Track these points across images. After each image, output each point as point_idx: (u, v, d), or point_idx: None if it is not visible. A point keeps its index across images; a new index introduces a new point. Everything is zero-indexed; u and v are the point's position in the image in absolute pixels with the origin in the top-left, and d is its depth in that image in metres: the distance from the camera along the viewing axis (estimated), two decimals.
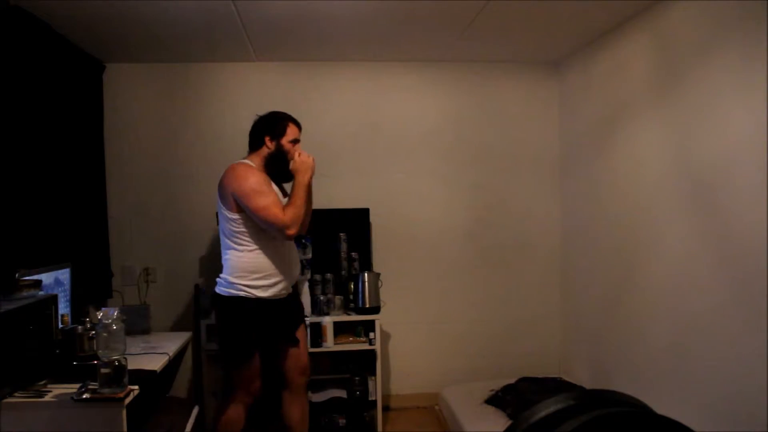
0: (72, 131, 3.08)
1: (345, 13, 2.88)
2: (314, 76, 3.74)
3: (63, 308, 2.53)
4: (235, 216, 2.43)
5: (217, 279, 2.53)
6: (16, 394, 1.96)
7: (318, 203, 2.90)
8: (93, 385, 1.99)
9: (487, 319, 3.88)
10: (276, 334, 2.57)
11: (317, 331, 3.21)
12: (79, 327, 2.28)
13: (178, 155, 3.66)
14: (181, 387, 3.49)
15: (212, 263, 3.63)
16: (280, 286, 2.50)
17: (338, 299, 3.41)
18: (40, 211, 2.72)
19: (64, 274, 2.66)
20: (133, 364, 2.21)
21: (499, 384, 3.40)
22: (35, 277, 2.27)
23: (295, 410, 2.69)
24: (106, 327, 2.00)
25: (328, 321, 3.24)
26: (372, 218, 3.69)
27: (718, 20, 2.35)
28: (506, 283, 3.90)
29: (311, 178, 2.52)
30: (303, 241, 3.29)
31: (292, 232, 2.39)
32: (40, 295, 2.17)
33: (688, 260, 2.54)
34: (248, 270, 2.44)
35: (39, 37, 2.75)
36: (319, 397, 3.30)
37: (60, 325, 2.28)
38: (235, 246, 2.47)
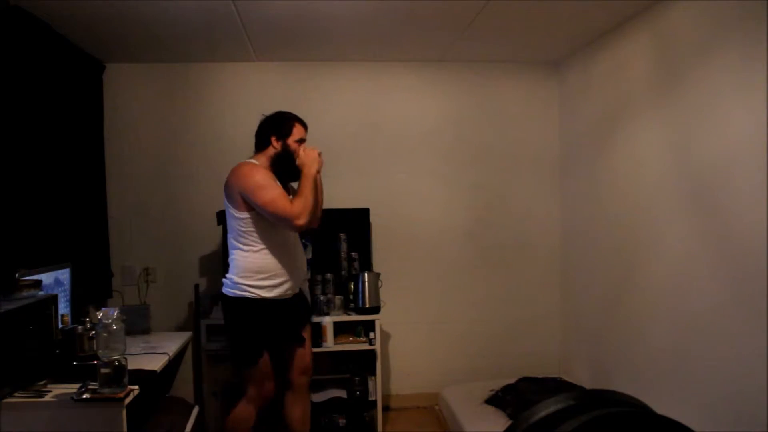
0: (72, 131, 3.08)
1: (345, 13, 2.88)
2: (314, 76, 3.74)
3: (63, 308, 2.53)
4: (244, 215, 2.43)
5: (223, 279, 2.53)
6: (16, 394, 1.96)
7: None
8: (93, 385, 1.99)
9: (487, 319, 3.89)
10: (282, 334, 2.57)
11: (317, 331, 3.21)
12: (79, 327, 2.28)
13: (178, 155, 3.66)
14: (181, 387, 3.49)
15: (212, 263, 3.63)
16: (285, 287, 2.50)
17: (338, 299, 3.41)
18: (40, 211, 2.72)
19: (64, 274, 2.66)
20: (133, 364, 2.21)
21: (499, 384, 3.40)
22: (35, 277, 2.27)
23: (297, 410, 2.69)
24: (106, 327, 2.00)
25: (328, 321, 3.24)
26: (372, 218, 3.69)
27: (718, 20, 2.35)
28: (506, 283, 3.90)
29: (318, 170, 2.52)
30: (303, 240, 3.28)
31: (301, 222, 2.38)
32: (40, 295, 2.17)
33: (688, 260, 2.54)
34: (253, 270, 2.44)
35: (39, 37, 2.75)
36: (319, 397, 3.30)
37: (60, 325, 2.28)
38: (242, 246, 2.47)
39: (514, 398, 3.14)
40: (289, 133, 2.55)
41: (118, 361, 1.97)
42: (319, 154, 2.52)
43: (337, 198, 3.67)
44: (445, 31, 3.21)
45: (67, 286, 2.68)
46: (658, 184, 2.75)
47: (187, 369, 3.47)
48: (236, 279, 2.46)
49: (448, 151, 3.86)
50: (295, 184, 2.59)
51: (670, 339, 2.67)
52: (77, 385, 2.01)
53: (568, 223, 3.84)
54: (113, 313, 2.03)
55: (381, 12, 2.87)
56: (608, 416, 1.02)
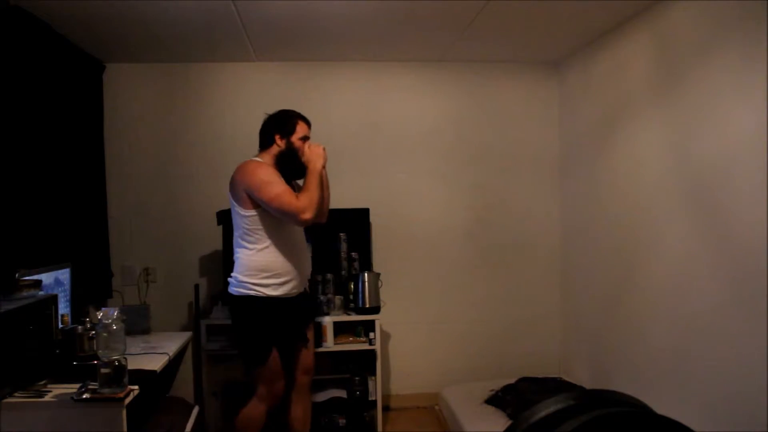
0: (72, 131, 3.08)
1: (345, 13, 2.88)
2: (314, 76, 3.74)
3: (63, 308, 2.53)
4: (250, 212, 2.44)
5: (228, 279, 2.53)
6: (16, 394, 1.96)
7: None
8: (93, 385, 1.99)
9: (487, 319, 3.88)
10: (287, 333, 2.58)
11: (317, 331, 3.21)
12: (79, 327, 2.28)
13: (178, 155, 3.66)
14: (181, 387, 3.49)
15: (212, 263, 3.63)
16: (290, 285, 2.50)
17: (338, 299, 3.41)
18: (40, 211, 2.72)
19: (64, 274, 2.66)
20: (133, 364, 2.21)
21: (499, 384, 3.40)
22: (35, 277, 2.27)
23: (299, 409, 2.70)
24: (106, 327, 2.00)
25: (328, 321, 3.24)
26: (372, 218, 3.69)
27: (718, 20, 2.34)
28: (506, 283, 3.90)
29: (323, 165, 2.53)
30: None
31: (307, 216, 2.38)
32: (40, 295, 2.17)
33: (688, 260, 2.54)
34: (258, 268, 2.45)
35: (39, 37, 2.75)
36: (319, 397, 3.30)
37: (60, 325, 2.28)
38: (247, 244, 2.47)
39: (514, 398, 3.14)
40: (292, 130, 2.55)
41: (118, 361, 1.97)
42: (324, 150, 2.53)
43: (337, 198, 3.65)
44: (445, 31, 3.21)
45: (67, 286, 2.68)
46: (658, 184, 2.75)
47: (187, 369, 3.47)
48: (241, 277, 2.46)
49: (448, 151, 3.86)
50: (301, 182, 2.59)
51: (670, 339, 2.67)
52: (77, 385, 2.01)
53: (568, 223, 3.83)
54: (113, 313, 2.03)
55: (381, 12, 2.87)
56: (608, 416, 1.02)
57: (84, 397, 1.94)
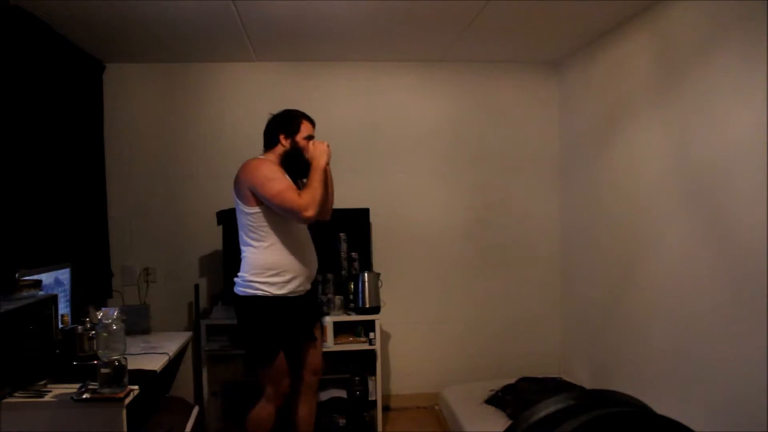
0: (72, 131, 3.08)
1: (345, 13, 2.88)
2: (314, 76, 3.74)
3: (63, 308, 2.53)
4: (254, 210, 2.44)
5: (235, 279, 2.53)
6: (16, 394, 1.96)
7: None
8: (93, 385, 1.99)
9: (487, 319, 3.89)
10: (295, 332, 2.57)
11: None
12: (79, 327, 2.28)
13: (178, 155, 3.66)
14: (181, 387, 3.49)
15: (212, 263, 3.63)
16: (296, 283, 2.50)
17: (338, 299, 3.41)
18: (40, 211, 2.72)
19: (64, 274, 2.66)
20: (133, 364, 2.21)
21: (499, 384, 3.40)
22: (35, 277, 2.27)
23: (304, 409, 2.70)
24: (106, 327, 2.00)
25: (328, 321, 3.24)
26: (372, 218, 3.69)
27: (718, 20, 2.34)
28: (506, 283, 3.90)
29: (327, 163, 2.53)
30: None
31: (309, 213, 2.38)
32: (40, 295, 2.17)
33: (688, 260, 2.54)
34: (264, 267, 2.44)
35: (39, 37, 2.75)
36: (319, 397, 3.29)
37: (60, 325, 2.28)
38: (252, 242, 2.47)
39: (514, 398, 3.14)
40: (297, 130, 2.56)
41: (118, 361, 1.98)
42: (328, 146, 2.54)
43: (337, 198, 3.64)
44: (445, 31, 3.21)
45: (67, 286, 2.68)
46: (658, 184, 2.75)
47: (187, 369, 3.47)
48: (247, 277, 2.46)
49: (448, 151, 3.86)
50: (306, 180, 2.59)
51: (670, 339, 2.67)
52: (77, 385, 2.01)
53: (568, 223, 3.83)
54: (113, 313, 2.04)
55: (381, 12, 2.87)
56: (608, 416, 1.02)
57: (84, 397, 1.94)
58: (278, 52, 3.52)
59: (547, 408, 1.04)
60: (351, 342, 3.32)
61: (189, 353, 3.48)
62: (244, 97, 3.68)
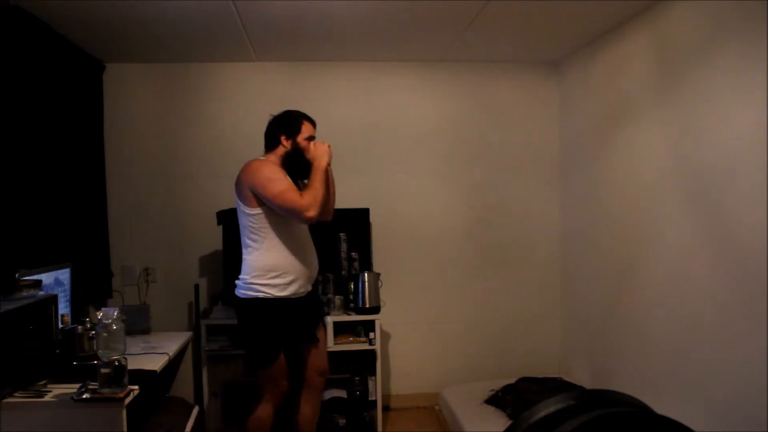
0: (72, 131, 3.08)
1: (345, 13, 2.88)
2: (314, 76, 3.74)
3: (63, 308, 2.53)
4: (255, 211, 2.43)
5: (236, 281, 2.52)
6: (16, 394, 1.96)
7: None
8: (93, 385, 1.99)
9: (487, 319, 3.89)
10: (296, 333, 2.57)
11: None
12: (79, 327, 2.28)
13: (178, 155, 3.66)
14: (181, 387, 3.49)
15: (212, 263, 3.63)
16: (297, 284, 2.49)
17: (338, 299, 3.41)
18: (40, 211, 2.72)
19: (64, 274, 2.66)
20: (133, 364, 2.21)
21: (499, 384, 3.40)
22: (35, 277, 2.27)
23: (308, 408, 2.69)
24: (106, 327, 2.00)
25: (328, 321, 3.23)
26: (372, 218, 3.69)
27: (718, 20, 2.35)
28: (506, 283, 3.90)
29: (329, 163, 2.52)
30: None
31: (311, 214, 2.38)
32: (40, 295, 2.17)
33: (687, 260, 2.54)
34: (266, 269, 2.44)
35: (39, 37, 2.75)
36: (322, 396, 3.30)
37: (60, 325, 2.28)
38: (253, 244, 2.47)
39: (514, 398, 3.14)
40: (298, 131, 2.55)
41: (118, 361, 1.97)
42: (329, 147, 2.53)
43: (337, 198, 3.66)
44: (445, 31, 3.21)
45: (67, 286, 2.68)
46: (658, 184, 2.75)
47: (187, 369, 3.47)
48: (249, 279, 2.46)
49: (448, 151, 3.86)
50: (307, 181, 2.59)
51: (670, 339, 2.67)
52: (77, 385, 2.01)
53: (568, 223, 3.83)
54: (113, 313, 2.04)
55: (381, 12, 2.87)
56: (608, 416, 1.02)
57: (84, 397, 1.94)
58: (278, 52, 3.52)
59: (547, 408, 1.04)
60: (351, 342, 3.32)
61: (189, 353, 3.48)
62: (244, 97, 3.68)
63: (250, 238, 2.48)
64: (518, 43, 3.47)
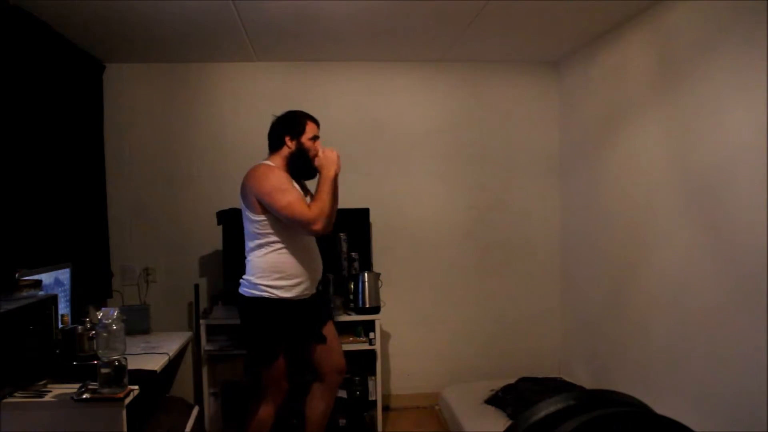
0: (72, 131, 3.08)
1: (345, 13, 2.88)
2: (314, 76, 3.74)
3: (63, 308, 2.53)
4: (260, 218, 2.42)
5: (241, 280, 2.52)
6: (16, 394, 1.96)
7: None
8: (93, 385, 1.99)
9: (487, 318, 3.88)
10: (300, 334, 2.57)
11: None
12: (79, 327, 2.28)
13: (178, 155, 3.66)
14: (181, 387, 3.49)
15: (212, 263, 3.63)
16: (302, 287, 2.50)
17: (338, 299, 3.41)
18: (40, 211, 2.72)
19: (64, 274, 2.66)
20: (133, 364, 2.21)
21: (499, 384, 3.40)
22: (35, 277, 2.27)
23: (321, 404, 2.69)
24: (106, 327, 2.00)
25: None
26: (372, 218, 3.69)
27: (718, 20, 2.35)
28: (506, 283, 3.90)
29: (337, 173, 2.49)
30: None
31: (318, 227, 2.38)
32: (40, 295, 2.17)
33: (687, 260, 2.54)
34: (271, 270, 2.44)
35: (39, 37, 2.75)
36: None
37: (60, 325, 2.28)
38: (258, 247, 2.46)
39: (514, 398, 3.14)
40: (302, 131, 2.54)
41: (118, 361, 1.98)
42: (338, 156, 2.50)
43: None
44: (445, 31, 3.21)
45: (67, 286, 2.68)
46: (658, 183, 2.76)
47: (187, 369, 3.47)
48: (254, 279, 2.45)
49: (448, 151, 3.86)
50: (311, 185, 2.58)
51: (670, 339, 2.67)
52: (77, 385, 2.01)
53: (568, 223, 3.83)
54: (113, 313, 2.04)
55: (381, 12, 2.87)
56: (608, 416, 1.02)
57: (84, 397, 1.94)
58: (278, 52, 3.52)
59: (547, 408, 1.04)
60: (351, 342, 3.32)
61: (189, 353, 3.47)
62: (244, 97, 3.68)
63: (254, 242, 2.48)
64: (518, 43, 3.47)
